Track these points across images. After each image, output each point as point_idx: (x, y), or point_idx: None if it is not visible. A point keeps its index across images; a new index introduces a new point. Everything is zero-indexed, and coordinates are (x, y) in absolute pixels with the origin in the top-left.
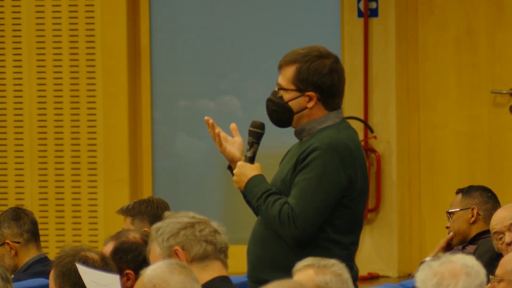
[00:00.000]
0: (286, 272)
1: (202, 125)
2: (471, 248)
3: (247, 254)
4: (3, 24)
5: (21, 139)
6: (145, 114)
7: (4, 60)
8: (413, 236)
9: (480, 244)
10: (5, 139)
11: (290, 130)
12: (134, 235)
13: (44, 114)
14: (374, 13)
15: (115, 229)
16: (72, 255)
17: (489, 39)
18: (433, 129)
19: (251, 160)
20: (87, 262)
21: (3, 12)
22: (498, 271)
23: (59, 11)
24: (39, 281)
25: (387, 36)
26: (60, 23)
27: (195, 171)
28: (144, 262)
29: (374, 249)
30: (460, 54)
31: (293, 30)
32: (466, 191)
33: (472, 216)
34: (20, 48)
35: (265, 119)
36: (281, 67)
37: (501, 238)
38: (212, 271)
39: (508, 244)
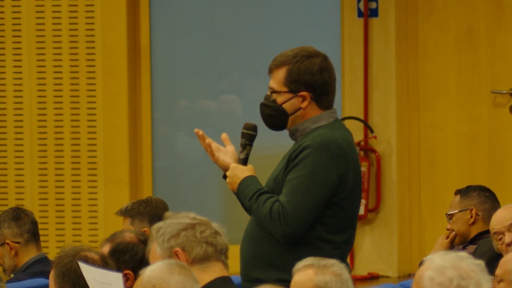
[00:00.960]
0: (278, 270)
1: (202, 125)
2: (471, 248)
3: (240, 252)
4: (3, 24)
5: (21, 139)
6: (145, 114)
7: (4, 60)
8: (413, 236)
9: (480, 244)
10: (5, 139)
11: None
12: (129, 235)
13: (44, 114)
14: (374, 13)
15: (115, 229)
16: (72, 255)
17: (489, 39)
18: (433, 129)
19: (244, 162)
20: (87, 262)
21: (3, 12)
22: (498, 271)
23: (59, 11)
24: (39, 281)
25: (387, 36)
26: (60, 23)
27: (195, 171)
28: (142, 262)
29: (374, 249)
30: (460, 54)
31: (293, 30)
32: (464, 192)
33: (471, 217)
34: (20, 48)
35: None
36: (271, 71)
37: (501, 238)
38: (213, 272)
39: (508, 245)
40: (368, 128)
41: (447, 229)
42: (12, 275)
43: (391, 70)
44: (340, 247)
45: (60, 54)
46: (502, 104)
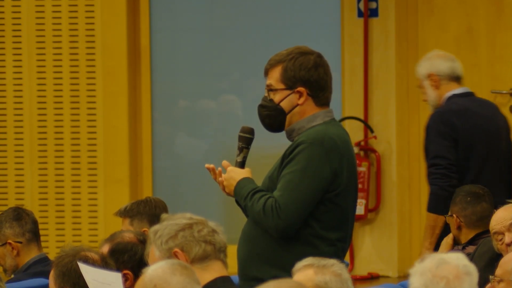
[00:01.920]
0: (274, 267)
1: (202, 125)
2: (471, 248)
3: (237, 252)
4: (3, 24)
5: (21, 139)
6: (145, 114)
7: (4, 60)
8: (413, 236)
9: (480, 244)
10: (5, 139)
11: None
12: (128, 235)
13: (44, 114)
14: (374, 13)
15: (115, 229)
16: (72, 255)
17: (489, 39)
18: None
19: (241, 165)
20: (87, 262)
21: (3, 12)
22: (498, 271)
23: (59, 11)
24: (39, 281)
25: (387, 36)
26: (60, 23)
27: (195, 171)
28: (141, 262)
29: (374, 249)
30: (460, 54)
31: (293, 30)
32: (453, 196)
33: (457, 222)
34: (20, 48)
35: None
36: (267, 71)
37: (501, 238)
38: (213, 271)
39: (508, 245)
40: (368, 128)
41: None
42: (12, 275)
43: (391, 70)
44: (335, 244)
45: (60, 54)
46: (502, 104)
